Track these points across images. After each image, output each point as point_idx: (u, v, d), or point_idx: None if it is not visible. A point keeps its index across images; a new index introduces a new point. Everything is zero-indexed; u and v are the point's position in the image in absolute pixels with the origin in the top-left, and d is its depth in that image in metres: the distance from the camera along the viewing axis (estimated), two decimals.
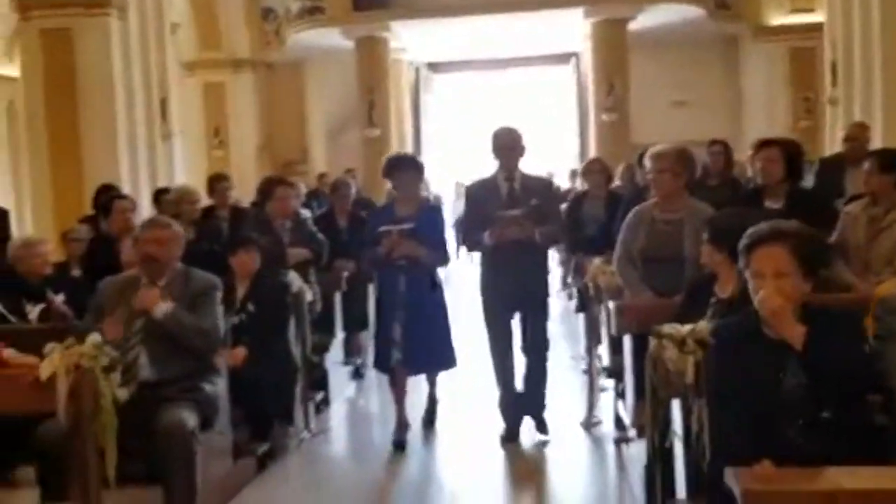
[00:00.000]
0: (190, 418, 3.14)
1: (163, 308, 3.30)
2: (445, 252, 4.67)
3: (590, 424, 4.66)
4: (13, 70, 11.47)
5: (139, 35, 9.37)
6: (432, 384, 4.84)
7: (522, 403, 4.53)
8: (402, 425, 4.57)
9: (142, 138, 9.33)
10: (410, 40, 13.90)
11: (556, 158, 14.66)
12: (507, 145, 4.40)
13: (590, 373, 4.82)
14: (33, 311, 4.29)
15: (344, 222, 6.32)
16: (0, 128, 12.66)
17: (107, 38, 8.86)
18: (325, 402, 5.38)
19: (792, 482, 1.62)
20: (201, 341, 3.37)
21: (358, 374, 6.23)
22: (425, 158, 15.35)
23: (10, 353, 2.71)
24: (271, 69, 14.41)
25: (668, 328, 2.52)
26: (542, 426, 4.53)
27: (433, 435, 4.76)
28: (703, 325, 2.52)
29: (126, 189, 8.36)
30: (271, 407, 4.26)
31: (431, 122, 15.43)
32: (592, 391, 4.73)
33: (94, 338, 2.72)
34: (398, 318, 4.41)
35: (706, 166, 5.97)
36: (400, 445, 4.47)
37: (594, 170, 6.22)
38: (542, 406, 4.54)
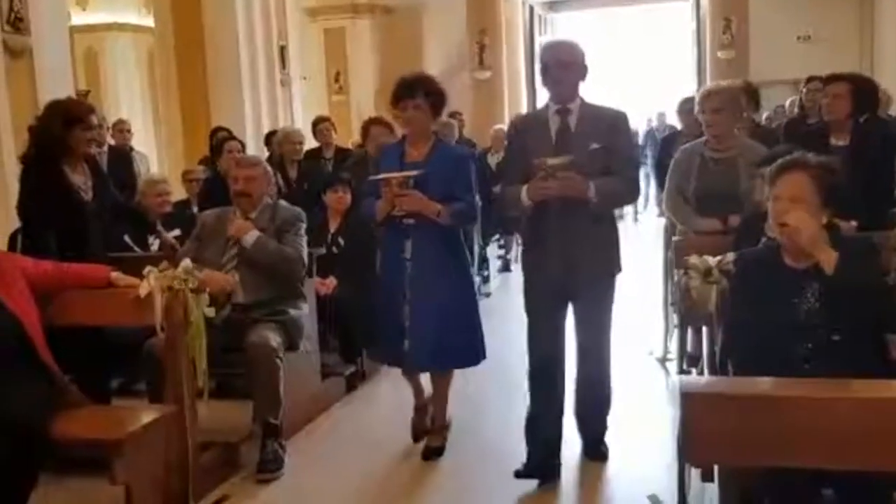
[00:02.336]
0: (274, 338, 3.51)
1: (251, 236, 3.66)
2: (471, 208, 3.47)
3: (665, 359, 4.76)
4: (150, 22, 12.30)
5: None
6: (440, 387, 3.62)
7: (580, 426, 3.46)
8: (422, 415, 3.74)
9: (263, 84, 9.90)
10: None
11: (674, 99, 14.26)
12: (560, 61, 3.08)
13: (665, 307, 4.87)
14: (154, 243, 4.84)
15: None
16: (142, 75, 13.63)
17: None
18: (486, 280, 5.92)
19: (732, 387, 1.74)
20: (285, 267, 3.70)
21: (505, 268, 7.00)
22: (540, 103, 15.36)
23: (116, 275, 3.13)
24: (389, 13, 14.67)
25: (694, 259, 2.63)
26: (599, 451, 3.45)
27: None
28: (730, 257, 2.61)
29: (248, 133, 8.98)
30: (359, 333, 4.62)
31: None
32: (667, 326, 4.80)
33: (186, 263, 3.10)
34: (401, 295, 3.44)
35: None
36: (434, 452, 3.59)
37: (687, 108, 6.07)
38: (601, 427, 3.46)
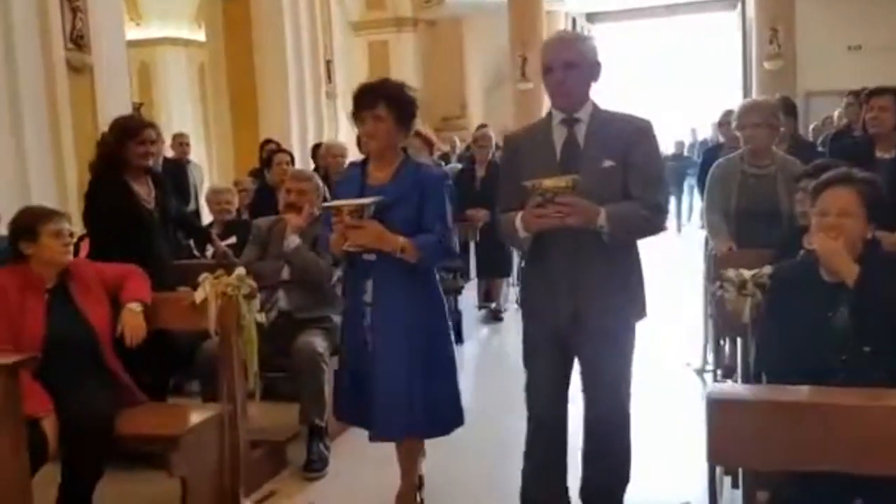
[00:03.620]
0: (320, 343, 3.67)
1: (292, 241, 3.81)
2: (443, 240, 2.81)
3: (703, 370, 4.80)
4: (201, 36, 12.68)
5: (307, 3, 10.15)
6: (408, 455, 3.06)
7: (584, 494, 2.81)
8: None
9: (309, 97, 10.19)
10: None
11: (719, 112, 14.22)
12: (563, 60, 2.52)
13: (704, 318, 4.91)
14: (211, 249, 5.06)
15: (482, 173, 6.69)
16: (193, 88, 14.03)
17: (279, 5, 9.69)
18: (458, 340, 5.85)
19: (756, 393, 1.82)
20: (314, 276, 3.80)
21: (495, 318, 6.66)
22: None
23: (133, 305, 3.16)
24: (432, 26, 14.90)
25: (730, 272, 2.70)
26: None
27: None
28: (766, 270, 2.67)
29: (295, 145, 9.24)
30: None
31: None
32: (706, 337, 4.83)
33: (240, 270, 3.27)
34: (362, 345, 2.87)
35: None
36: None
37: (728, 120, 6.10)
38: (621, 481, 2.81)
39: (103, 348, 3.06)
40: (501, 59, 14.34)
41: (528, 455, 2.80)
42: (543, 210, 2.40)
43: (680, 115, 15.26)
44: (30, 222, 3.07)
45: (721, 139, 6.36)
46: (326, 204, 2.99)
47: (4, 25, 5.40)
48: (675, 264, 8.54)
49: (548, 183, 2.39)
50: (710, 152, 6.31)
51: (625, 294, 2.65)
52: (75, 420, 2.80)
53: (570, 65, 2.54)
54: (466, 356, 5.72)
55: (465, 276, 6.12)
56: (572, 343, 2.67)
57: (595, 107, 2.63)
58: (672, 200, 13.29)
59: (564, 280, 2.60)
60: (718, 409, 1.61)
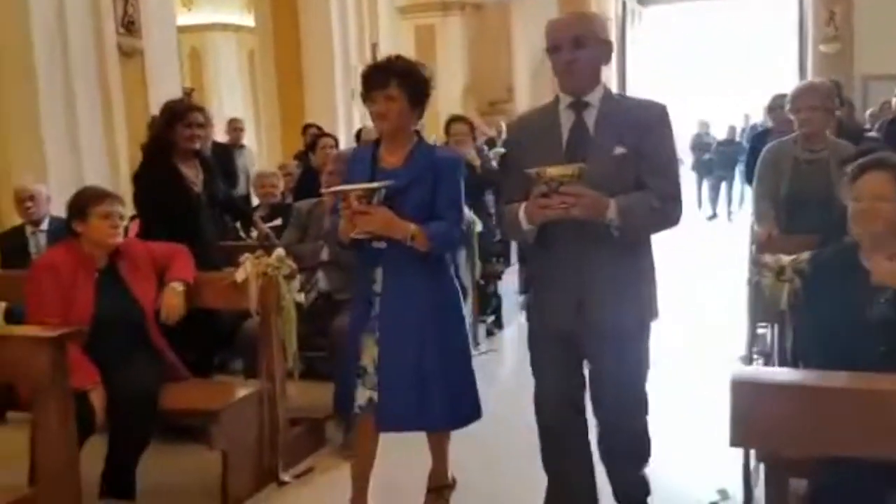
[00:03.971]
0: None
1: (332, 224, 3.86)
2: (454, 228, 2.72)
3: (750, 359, 4.74)
4: (251, 21, 12.85)
5: None
6: (437, 445, 2.96)
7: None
8: None
9: (355, 81, 10.24)
10: None
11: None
12: (571, 37, 2.35)
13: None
14: (253, 233, 5.17)
15: None
16: (242, 73, 14.24)
17: None
18: (498, 325, 5.88)
19: (782, 376, 1.80)
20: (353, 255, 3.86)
21: None
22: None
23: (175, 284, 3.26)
24: (479, 10, 14.83)
25: (768, 258, 2.67)
26: None
27: None
28: (805, 256, 2.63)
29: (340, 129, 9.33)
30: None
31: (638, 58, 15.16)
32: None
33: (279, 251, 3.34)
34: (369, 333, 2.73)
35: None
36: None
37: (778, 105, 5.97)
38: (642, 491, 2.68)
39: (150, 326, 3.16)
40: None
41: (545, 468, 2.65)
42: (547, 200, 2.23)
43: (733, 100, 14.97)
44: (82, 203, 3.18)
45: (770, 124, 6.21)
46: (333, 189, 2.80)
47: (58, 11, 5.56)
48: (724, 252, 8.42)
49: (552, 171, 2.22)
50: (759, 137, 6.19)
51: (634, 292, 2.45)
52: (121, 393, 2.90)
53: (580, 43, 2.34)
54: (506, 341, 5.75)
55: (506, 262, 6.13)
56: (579, 343, 2.49)
57: (607, 90, 2.44)
58: (723, 187, 13.11)
59: (569, 276, 2.42)
60: (741, 391, 1.61)
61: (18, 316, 3.91)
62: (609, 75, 14.38)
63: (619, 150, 2.35)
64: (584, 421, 2.60)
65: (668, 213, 2.39)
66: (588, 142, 2.39)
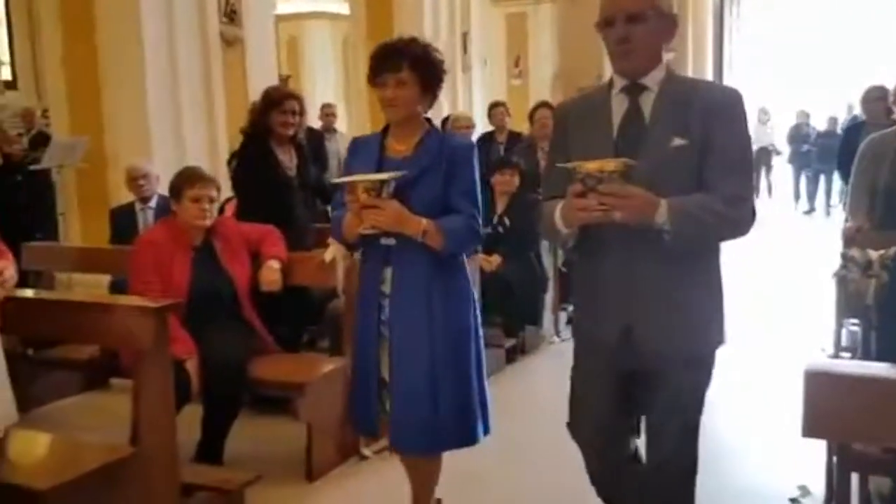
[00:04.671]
0: None
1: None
2: (471, 223, 2.44)
3: (837, 356, 4.62)
4: (345, 9, 13.12)
5: None
6: (424, 472, 2.67)
7: None
8: None
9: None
10: None
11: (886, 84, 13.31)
12: (626, 11, 2.03)
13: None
14: None
15: None
16: (337, 60, 14.57)
17: None
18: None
19: (856, 369, 1.77)
20: None
21: None
22: (727, 84, 14.97)
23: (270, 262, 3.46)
24: None
25: (855, 252, 2.61)
26: None
27: None
28: (893, 251, 2.57)
29: (430, 115, 9.45)
30: (520, 309, 4.87)
31: (736, 44, 14.72)
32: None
33: None
34: (382, 339, 2.49)
35: None
36: None
37: (873, 97, 5.74)
38: None
39: (242, 301, 3.34)
40: None
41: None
42: (584, 200, 1.90)
43: (836, 90, 14.38)
44: (178, 184, 3.38)
45: (863, 116, 5.99)
46: (339, 180, 2.49)
47: (167, 2, 5.84)
48: (819, 248, 8.17)
49: (590, 165, 1.90)
50: (852, 130, 5.99)
51: (693, 313, 2.06)
52: (215, 363, 3.09)
53: (635, 17, 2.02)
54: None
55: None
56: (630, 375, 2.14)
57: (669, 72, 2.09)
58: (821, 180, 12.63)
59: (615, 294, 2.08)
60: (813, 382, 1.61)
61: (122, 288, 4.17)
62: (705, 64, 14.06)
63: (678, 141, 2.00)
64: (628, 458, 2.26)
65: (735, 220, 2.02)
66: (643, 131, 2.04)
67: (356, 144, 2.65)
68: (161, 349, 2.46)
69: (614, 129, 2.08)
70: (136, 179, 4.64)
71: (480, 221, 2.47)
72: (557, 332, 5.32)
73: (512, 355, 4.87)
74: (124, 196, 5.11)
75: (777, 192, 14.05)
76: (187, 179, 3.38)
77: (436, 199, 2.41)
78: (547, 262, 5.13)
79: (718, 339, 2.14)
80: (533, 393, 4.37)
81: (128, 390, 2.89)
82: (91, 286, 4.67)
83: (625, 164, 1.91)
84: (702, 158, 2.01)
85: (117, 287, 4.32)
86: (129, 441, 2.50)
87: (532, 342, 5.04)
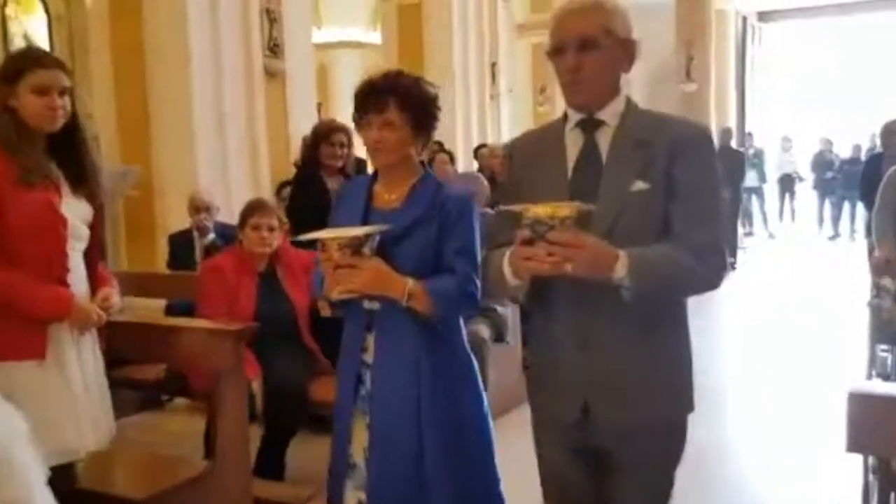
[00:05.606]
0: (484, 330, 4.00)
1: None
2: (466, 285, 2.09)
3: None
4: (376, 38, 13.43)
5: (475, 5, 10.58)
6: None
7: None
8: None
9: (474, 98, 10.61)
10: None
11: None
12: (579, 35, 1.79)
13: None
14: None
15: None
16: None
17: (448, 10, 10.17)
18: None
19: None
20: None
21: None
22: (750, 116, 15.13)
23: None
24: None
25: (887, 281, 2.76)
26: None
27: None
28: None
29: (458, 145, 9.68)
30: None
31: (758, 76, 14.88)
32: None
33: None
34: (360, 415, 2.19)
35: None
36: None
37: (891, 131, 5.76)
38: None
39: (301, 325, 3.53)
40: (665, 59, 14.18)
41: None
42: (532, 249, 1.65)
43: (859, 118, 14.47)
44: (242, 213, 3.59)
45: (880, 149, 6.13)
46: (309, 236, 2.13)
47: (213, 36, 6.09)
48: (846, 272, 8.27)
49: (540, 210, 1.65)
50: (872, 162, 6.12)
51: (658, 379, 1.83)
52: (277, 384, 3.27)
53: (588, 43, 1.77)
54: None
55: None
56: (589, 446, 1.87)
57: (630, 104, 1.86)
58: (845, 206, 12.73)
59: (569, 357, 1.82)
60: (856, 403, 1.75)
61: (177, 311, 4.36)
62: (727, 94, 14.20)
63: (639, 184, 1.76)
64: None
65: (705, 274, 1.78)
66: (599, 171, 1.80)
67: (343, 192, 2.36)
68: (237, 370, 2.64)
69: (569, 170, 1.84)
70: (198, 210, 4.85)
71: (478, 283, 2.08)
72: None
73: None
74: (172, 224, 5.33)
75: (800, 218, 14.20)
76: (249, 208, 3.59)
77: (427, 256, 2.09)
78: None
79: (688, 405, 1.90)
80: None
81: (180, 410, 3.07)
82: (149, 309, 4.88)
83: (579, 209, 1.65)
84: (667, 204, 1.77)
85: (173, 310, 4.52)
86: (203, 456, 2.67)
87: None
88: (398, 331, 2.11)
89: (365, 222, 2.14)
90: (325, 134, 4.30)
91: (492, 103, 10.84)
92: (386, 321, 2.13)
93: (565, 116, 1.89)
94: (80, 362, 2.37)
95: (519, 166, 1.95)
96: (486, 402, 2.23)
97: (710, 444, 3.75)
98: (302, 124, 6.44)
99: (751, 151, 12.80)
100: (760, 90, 14.99)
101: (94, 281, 2.45)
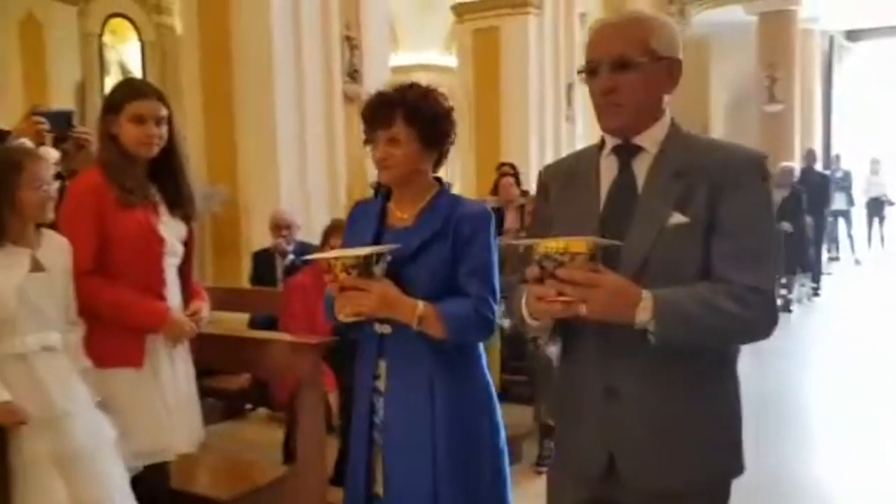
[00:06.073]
0: (554, 351, 4.05)
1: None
2: (482, 308, 2.00)
3: None
4: (451, 61, 13.66)
5: (552, 28, 10.69)
6: None
7: None
8: None
9: (549, 121, 10.69)
10: (825, 7, 13.26)
11: None
12: (609, 54, 1.63)
13: None
14: None
15: None
16: None
17: (525, 34, 10.30)
18: None
19: None
20: None
21: (784, 308, 7.00)
22: (836, 136, 14.69)
23: None
24: None
25: None
26: None
27: None
28: None
29: (532, 168, 9.74)
30: None
31: (845, 96, 14.49)
32: None
33: None
34: (368, 448, 2.10)
35: None
36: None
37: None
38: None
39: None
40: (748, 79, 13.96)
41: None
42: (543, 288, 1.51)
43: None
44: (326, 232, 3.77)
45: None
46: (316, 256, 2.27)
47: (296, 63, 6.36)
48: None
49: (552, 244, 1.50)
50: None
51: (701, 435, 1.61)
52: (351, 397, 3.40)
53: (623, 63, 1.61)
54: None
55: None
56: None
57: (674, 128, 1.68)
58: None
59: (593, 406, 1.64)
60: None
61: (260, 325, 4.57)
62: (813, 115, 13.87)
63: (677, 217, 1.57)
64: None
65: (748, 321, 1.55)
66: (635, 202, 1.63)
67: (355, 211, 2.24)
68: (317, 381, 2.79)
69: (601, 200, 1.67)
70: (280, 228, 5.07)
71: (495, 307, 1.99)
72: None
73: None
74: (256, 241, 5.57)
75: (890, 243, 13.69)
76: (330, 228, 3.77)
77: (440, 277, 1.98)
78: None
79: (732, 467, 1.67)
80: None
81: (260, 421, 3.23)
82: (233, 323, 5.12)
83: (595, 244, 1.49)
84: (709, 241, 1.57)
85: (256, 324, 4.73)
86: (282, 461, 2.81)
87: None
88: (410, 357, 2.01)
89: (377, 242, 2.04)
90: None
91: (567, 125, 10.89)
92: (398, 346, 2.02)
93: (602, 142, 1.72)
94: (173, 371, 2.55)
95: (551, 195, 1.79)
96: (503, 435, 2.11)
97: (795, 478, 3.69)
98: None
99: (838, 174, 12.45)
100: (848, 111, 14.59)
101: (188, 295, 2.63)
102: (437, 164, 2.10)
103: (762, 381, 3.49)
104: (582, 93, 11.48)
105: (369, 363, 2.08)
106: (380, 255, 1.93)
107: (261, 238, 5.52)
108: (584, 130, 11.37)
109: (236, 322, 4.70)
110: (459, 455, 1.99)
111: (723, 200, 1.58)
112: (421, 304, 1.94)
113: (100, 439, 2.28)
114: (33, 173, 2.28)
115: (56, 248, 2.35)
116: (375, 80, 7.31)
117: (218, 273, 6.48)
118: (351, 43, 6.87)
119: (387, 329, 2.02)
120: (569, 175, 1.77)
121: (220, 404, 4.58)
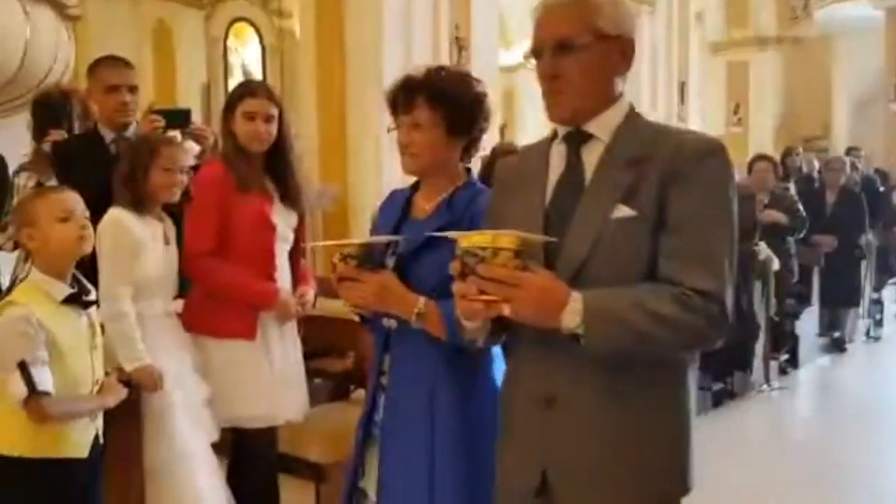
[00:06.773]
0: None
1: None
2: None
3: None
4: None
5: (665, 25, 10.56)
6: None
7: None
8: None
9: (661, 118, 10.51)
10: None
11: None
12: (552, 35, 1.49)
13: None
14: None
15: (833, 198, 6.57)
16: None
17: (640, 32, 10.20)
18: (793, 364, 5.85)
19: None
20: None
21: (837, 348, 6.51)
22: None
23: None
24: (797, 45, 14.27)
25: None
26: None
27: None
28: None
29: None
30: (729, 354, 4.98)
31: None
32: None
33: None
34: (373, 442, 1.99)
35: None
36: None
37: None
38: None
39: None
40: (874, 77, 13.30)
41: None
42: (465, 285, 1.38)
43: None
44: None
45: None
46: (317, 244, 2.24)
47: (406, 65, 6.53)
48: None
49: (476, 239, 1.39)
50: None
51: (645, 452, 1.47)
52: None
53: (565, 45, 1.47)
54: (800, 382, 5.72)
55: (807, 301, 6.09)
56: None
57: (630, 113, 1.54)
58: None
59: (527, 417, 1.52)
60: None
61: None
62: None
63: (623, 210, 1.43)
64: None
65: (690, 326, 1.39)
66: (582, 193, 1.49)
67: (384, 202, 2.12)
68: None
69: (548, 189, 1.54)
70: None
71: None
72: (768, 381, 5.36)
73: (719, 399, 4.99)
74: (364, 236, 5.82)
75: None
76: None
77: (448, 275, 1.57)
78: (758, 308, 5.21)
79: (680, 486, 1.52)
80: (739, 439, 4.46)
81: (362, 402, 3.39)
82: (338, 309, 5.39)
83: (521, 238, 1.38)
84: (657, 236, 1.42)
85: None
86: None
87: (741, 388, 5.13)
88: (414, 355, 1.87)
89: (395, 232, 1.93)
90: (501, 154, 4.57)
91: (679, 124, 10.72)
92: (402, 343, 1.89)
93: (554, 133, 1.59)
94: (282, 346, 2.78)
95: (504, 189, 1.65)
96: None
97: None
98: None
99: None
100: None
101: (297, 278, 2.86)
102: (466, 152, 1.96)
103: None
104: (698, 90, 11.28)
105: (378, 357, 1.98)
106: (387, 246, 1.88)
107: (365, 234, 5.77)
108: (700, 129, 11.17)
109: (340, 309, 4.94)
110: (461, 454, 1.84)
111: (673, 191, 1.42)
112: (422, 301, 1.79)
113: (171, 401, 2.55)
114: (167, 157, 2.59)
115: (171, 228, 2.67)
116: (486, 79, 7.42)
117: (327, 266, 6.78)
118: (459, 43, 7.03)
119: (393, 324, 1.90)
120: (519, 168, 1.65)
121: (327, 385, 4.83)
